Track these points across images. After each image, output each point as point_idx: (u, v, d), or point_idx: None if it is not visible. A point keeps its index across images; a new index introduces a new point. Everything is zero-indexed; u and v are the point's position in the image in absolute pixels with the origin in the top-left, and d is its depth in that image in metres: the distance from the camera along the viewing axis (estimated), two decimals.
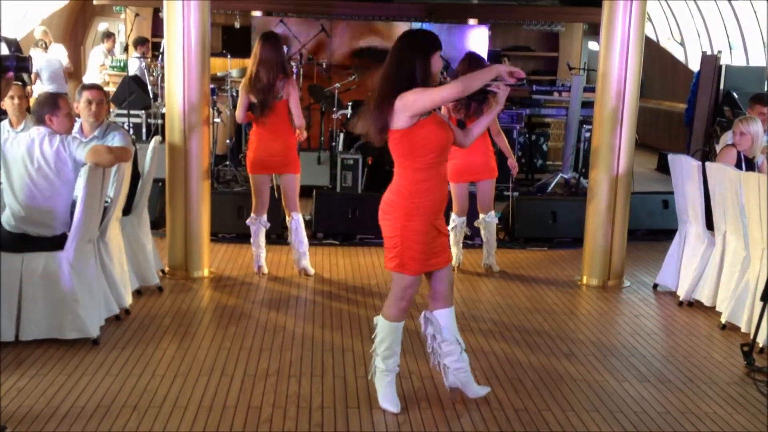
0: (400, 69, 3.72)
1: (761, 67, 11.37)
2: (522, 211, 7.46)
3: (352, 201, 7.50)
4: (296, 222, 6.08)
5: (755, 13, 11.86)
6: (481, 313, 5.47)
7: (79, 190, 4.57)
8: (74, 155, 4.55)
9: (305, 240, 6.16)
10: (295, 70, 9.94)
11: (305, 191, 7.68)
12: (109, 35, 12.17)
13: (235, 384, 4.16)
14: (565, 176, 10.02)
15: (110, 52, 11.85)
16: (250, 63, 5.95)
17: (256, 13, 12.85)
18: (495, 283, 6.18)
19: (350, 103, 9.76)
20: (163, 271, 6.06)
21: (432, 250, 3.82)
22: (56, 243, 4.55)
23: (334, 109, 9.45)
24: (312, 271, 6.24)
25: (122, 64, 11.90)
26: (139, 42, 11.23)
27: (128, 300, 5.19)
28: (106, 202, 5.00)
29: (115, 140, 5.14)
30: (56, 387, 4.04)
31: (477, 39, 12.78)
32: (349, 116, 9.57)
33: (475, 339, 4.94)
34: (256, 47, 5.86)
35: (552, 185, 9.74)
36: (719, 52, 11.61)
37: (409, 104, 3.67)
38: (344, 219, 7.33)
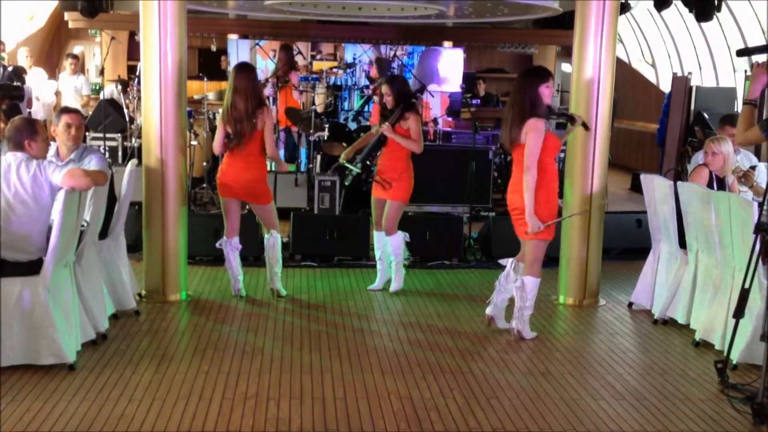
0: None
1: (731, 88, 11.57)
2: (498, 231, 7.50)
3: (329, 223, 7.52)
4: (274, 239, 6.08)
5: (724, 34, 12.09)
6: (459, 333, 5.50)
7: (55, 215, 4.55)
8: (50, 180, 4.53)
9: (280, 260, 6.15)
10: (271, 92, 9.98)
11: (283, 213, 7.70)
12: (72, 56, 11.57)
13: (213, 408, 4.14)
14: None
15: (75, 73, 11.28)
16: (225, 95, 5.99)
17: (233, 36, 12.89)
18: (473, 303, 6.21)
19: (327, 125, 9.81)
20: (140, 294, 6.03)
21: None
22: (32, 268, 4.51)
23: (311, 131, 9.49)
24: (284, 292, 6.23)
25: (97, 88, 11.86)
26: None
27: (105, 324, 5.16)
28: (83, 226, 4.99)
29: (91, 163, 5.13)
30: (33, 413, 4.00)
31: (452, 61, 12.89)
32: (326, 138, 9.61)
33: (452, 358, 4.97)
34: (231, 78, 5.91)
35: None
36: (689, 73, 11.81)
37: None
38: (322, 241, 7.34)
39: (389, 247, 6.34)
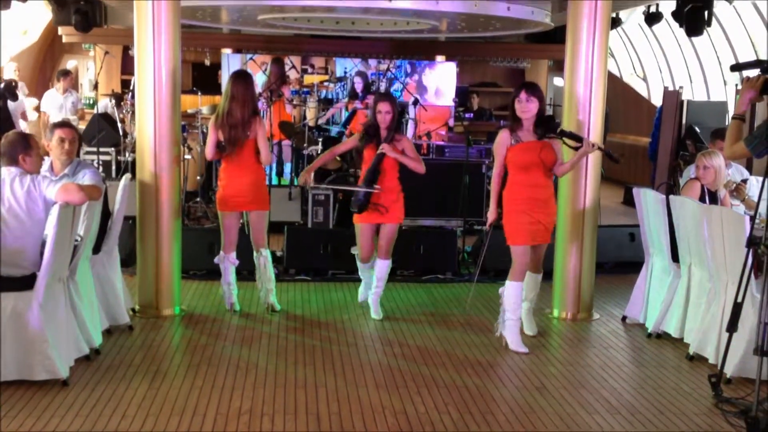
0: None
1: (722, 102, 11.64)
2: (492, 244, 7.48)
3: (323, 237, 7.51)
4: (264, 258, 6.09)
5: (714, 49, 12.18)
6: (454, 348, 5.50)
7: (49, 229, 4.54)
8: (44, 194, 4.53)
9: (273, 277, 6.16)
10: (263, 106, 10.00)
11: (276, 227, 7.71)
12: (65, 73, 11.35)
13: (207, 423, 4.13)
14: None
15: (67, 91, 11.09)
16: (220, 100, 6.01)
17: (226, 51, 12.94)
18: (467, 318, 6.22)
19: (320, 139, 9.82)
20: (133, 309, 6.02)
21: None
22: (26, 283, 4.50)
23: (305, 145, 9.50)
24: (279, 306, 6.22)
25: (91, 102, 11.87)
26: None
27: (98, 339, 5.14)
28: (76, 240, 4.98)
29: (85, 178, 5.13)
30: (26, 429, 3.98)
31: (445, 75, 12.96)
32: (319, 152, 9.63)
33: (447, 372, 4.97)
34: (228, 85, 5.92)
35: None
36: (681, 87, 11.88)
37: None
38: (316, 255, 7.33)
39: (376, 273, 6.11)
